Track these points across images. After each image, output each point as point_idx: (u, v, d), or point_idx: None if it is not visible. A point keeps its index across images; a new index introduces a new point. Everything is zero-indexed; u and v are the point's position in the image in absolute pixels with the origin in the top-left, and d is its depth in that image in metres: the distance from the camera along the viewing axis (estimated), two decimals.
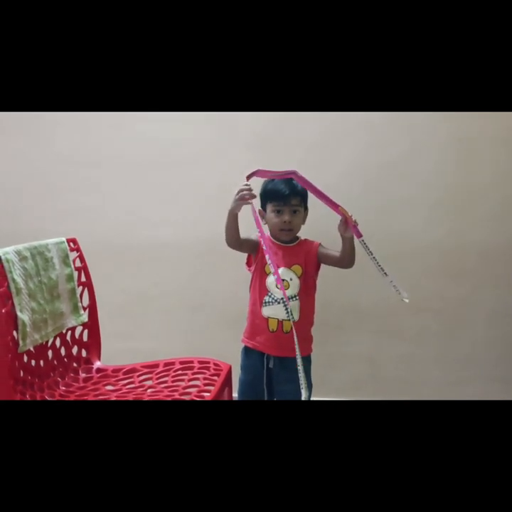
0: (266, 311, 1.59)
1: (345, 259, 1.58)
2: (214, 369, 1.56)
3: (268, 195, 1.61)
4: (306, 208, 1.63)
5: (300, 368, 1.30)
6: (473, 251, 1.93)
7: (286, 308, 1.40)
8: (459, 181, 1.91)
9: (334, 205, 1.48)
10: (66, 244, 1.60)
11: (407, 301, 1.46)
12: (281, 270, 1.58)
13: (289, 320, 1.57)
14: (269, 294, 1.58)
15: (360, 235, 1.47)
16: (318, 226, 1.68)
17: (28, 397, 1.34)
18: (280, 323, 1.57)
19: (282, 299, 1.55)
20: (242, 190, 1.44)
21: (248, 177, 1.48)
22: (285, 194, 1.55)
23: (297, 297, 1.58)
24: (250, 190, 1.45)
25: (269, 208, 1.60)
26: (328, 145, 1.94)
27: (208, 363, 1.60)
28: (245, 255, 1.67)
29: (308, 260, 1.61)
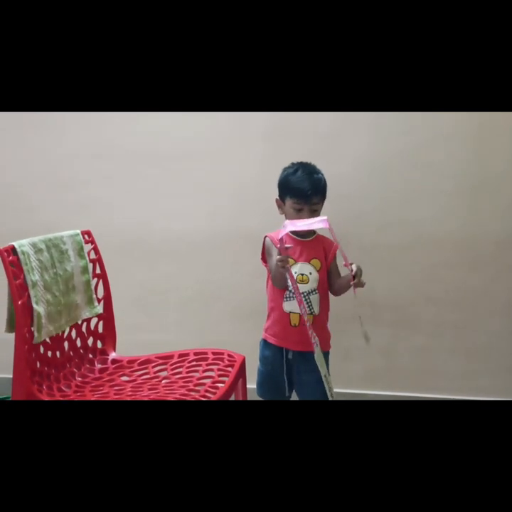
0: (287, 306, 1.58)
1: (335, 290, 1.63)
2: (228, 360, 1.56)
3: (290, 191, 1.59)
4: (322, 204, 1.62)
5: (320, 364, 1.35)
6: (490, 241, 1.90)
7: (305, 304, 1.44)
8: (475, 170, 1.88)
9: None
10: (81, 236, 1.61)
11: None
12: (299, 265, 1.58)
13: (311, 314, 1.57)
14: (289, 288, 1.57)
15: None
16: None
17: (44, 388, 1.36)
18: (302, 317, 1.57)
19: (303, 293, 1.56)
20: (279, 260, 1.43)
21: (280, 240, 1.42)
22: (308, 194, 1.54)
23: (317, 291, 1.58)
24: (284, 260, 1.43)
25: (289, 203, 1.59)
26: (343, 134, 1.92)
27: (222, 354, 1.60)
28: (259, 248, 1.66)
29: (326, 255, 1.61)
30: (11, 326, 1.33)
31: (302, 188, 1.55)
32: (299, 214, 1.56)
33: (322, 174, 1.61)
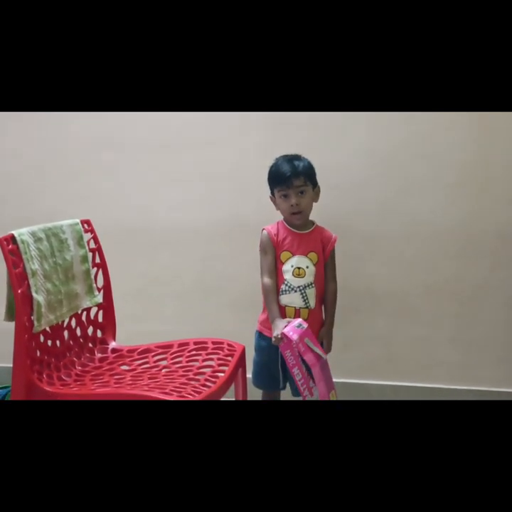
0: (283, 300, 1.58)
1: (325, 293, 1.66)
2: (228, 349, 1.56)
3: (273, 180, 1.60)
4: (315, 185, 1.60)
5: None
6: (491, 232, 1.89)
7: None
8: (477, 161, 1.87)
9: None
10: (80, 225, 1.61)
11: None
12: (296, 258, 1.57)
13: (306, 308, 1.57)
14: (286, 282, 1.57)
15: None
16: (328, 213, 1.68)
17: (45, 377, 1.36)
18: (297, 311, 1.57)
19: (299, 286, 1.55)
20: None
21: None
22: (286, 176, 1.53)
23: (313, 284, 1.58)
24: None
25: (277, 193, 1.59)
26: (343, 124, 1.91)
27: (222, 343, 1.60)
28: (259, 238, 1.65)
29: (324, 248, 1.61)
30: (10, 314, 1.33)
31: (282, 172, 1.54)
32: (286, 200, 1.56)
33: (306, 160, 1.59)
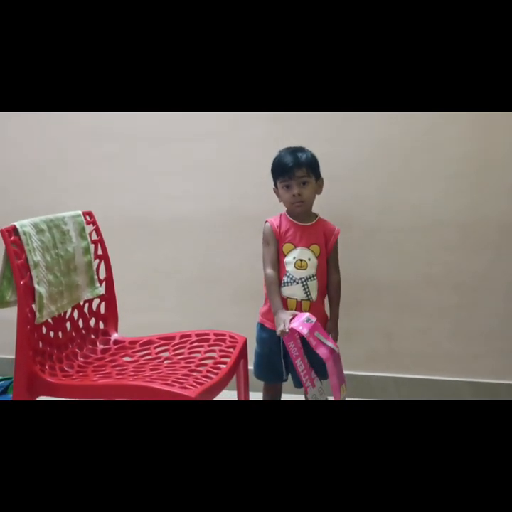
0: (285, 292, 1.58)
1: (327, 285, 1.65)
2: (230, 341, 1.56)
3: (275, 172, 1.60)
4: (318, 177, 1.60)
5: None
6: (492, 224, 1.89)
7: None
8: (478, 153, 1.86)
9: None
10: (82, 217, 1.61)
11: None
12: (299, 250, 1.57)
13: (308, 300, 1.57)
14: (288, 274, 1.57)
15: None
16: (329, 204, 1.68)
17: (47, 368, 1.37)
18: (299, 303, 1.57)
19: (301, 278, 1.55)
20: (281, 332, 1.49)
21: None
22: (288, 167, 1.54)
23: (315, 277, 1.58)
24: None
25: (279, 184, 1.59)
26: (345, 116, 1.90)
27: (224, 335, 1.60)
28: (261, 230, 1.65)
29: (327, 241, 1.61)
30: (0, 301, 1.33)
31: (284, 163, 1.55)
32: (288, 191, 1.56)
33: (310, 152, 1.59)
